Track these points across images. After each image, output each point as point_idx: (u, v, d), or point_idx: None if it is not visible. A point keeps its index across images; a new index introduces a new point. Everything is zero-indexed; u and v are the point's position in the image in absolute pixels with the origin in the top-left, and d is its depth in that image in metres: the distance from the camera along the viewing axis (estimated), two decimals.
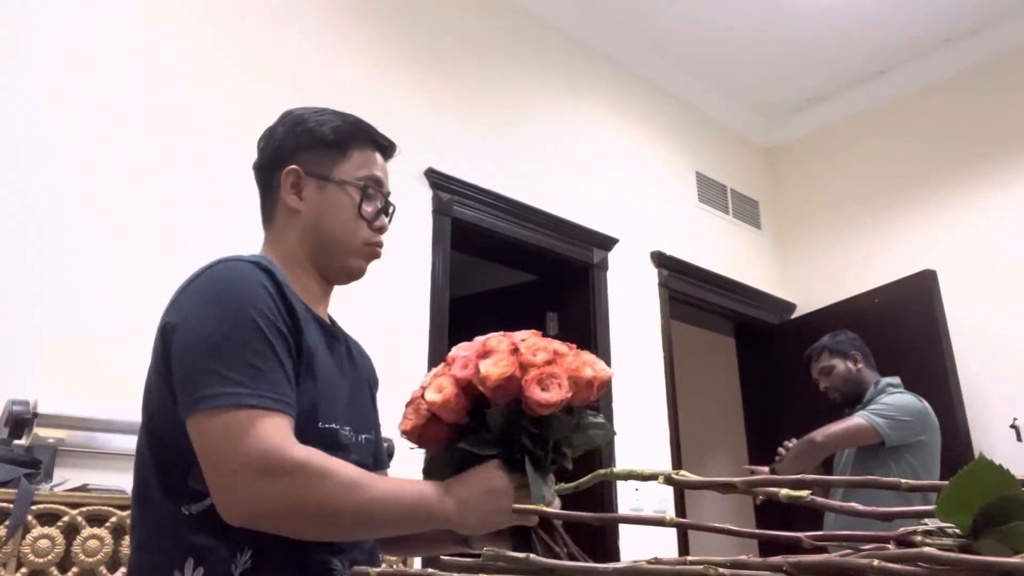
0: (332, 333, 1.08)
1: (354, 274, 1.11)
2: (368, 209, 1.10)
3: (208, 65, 2.42)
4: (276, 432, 0.84)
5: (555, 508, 0.92)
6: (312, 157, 1.10)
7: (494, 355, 0.89)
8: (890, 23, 3.81)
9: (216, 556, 0.86)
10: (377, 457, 1.11)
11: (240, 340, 0.87)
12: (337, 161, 1.10)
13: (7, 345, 1.85)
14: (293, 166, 1.09)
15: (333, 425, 0.96)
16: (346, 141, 1.11)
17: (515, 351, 0.89)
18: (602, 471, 0.61)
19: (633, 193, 3.73)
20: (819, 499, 0.53)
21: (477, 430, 0.92)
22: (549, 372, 0.87)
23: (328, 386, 0.98)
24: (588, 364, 0.91)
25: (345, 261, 1.09)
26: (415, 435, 0.93)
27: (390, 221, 1.15)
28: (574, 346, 0.95)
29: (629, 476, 0.59)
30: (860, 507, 0.50)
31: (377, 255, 1.12)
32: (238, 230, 2.25)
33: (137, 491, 0.95)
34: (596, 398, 0.93)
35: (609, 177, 3.63)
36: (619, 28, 3.81)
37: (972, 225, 3.77)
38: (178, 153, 2.27)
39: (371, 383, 1.17)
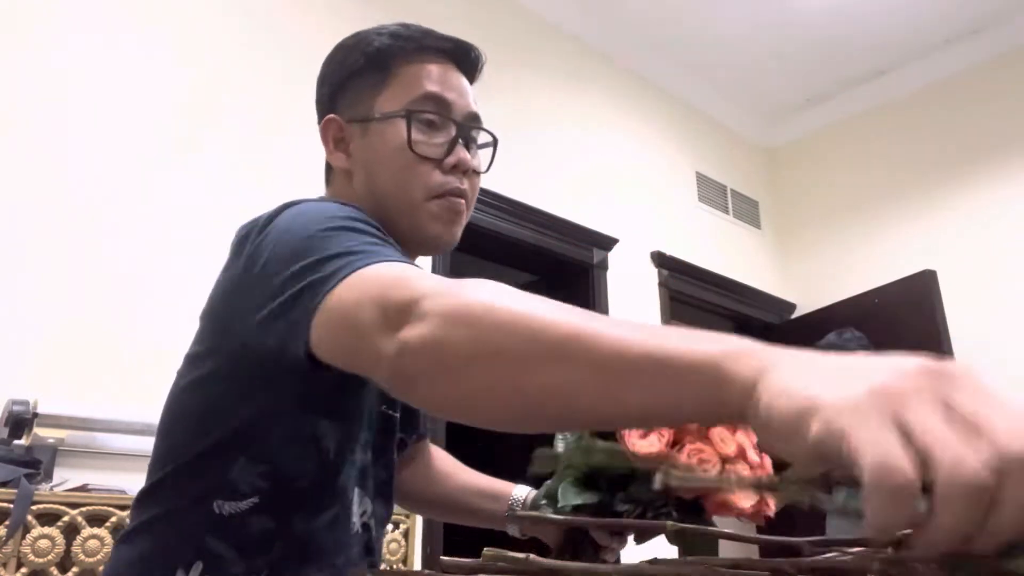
0: None
1: (431, 242, 0.81)
2: (420, 138, 0.79)
3: (204, 63, 2.41)
4: (399, 267, 0.60)
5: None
6: (351, 97, 0.84)
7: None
8: (890, 23, 3.81)
9: (228, 571, 0.71)
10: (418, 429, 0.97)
11: (343, 228, 0.65)
12: (379, 89, 0.81)
13: (7, 345, 1.85)
14: (331, 115, 0.84)
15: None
16: (386, 59, 0.82)
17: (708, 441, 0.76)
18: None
19: (633, 193, 3.73)
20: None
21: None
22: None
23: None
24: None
25: (416, 223, 0.79)
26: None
27: (492, 158, 0.89)
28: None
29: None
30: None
31: (456, 208, 0.81)
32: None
33: (154, 472, 0.76)
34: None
35: (609, 177, 3.63)
36: (619, 28, 3.81)
37: (972, 225, 3.77)
38: (175, 155, 2.27)
39: None
